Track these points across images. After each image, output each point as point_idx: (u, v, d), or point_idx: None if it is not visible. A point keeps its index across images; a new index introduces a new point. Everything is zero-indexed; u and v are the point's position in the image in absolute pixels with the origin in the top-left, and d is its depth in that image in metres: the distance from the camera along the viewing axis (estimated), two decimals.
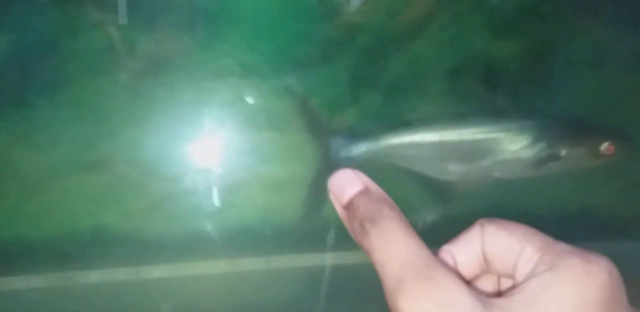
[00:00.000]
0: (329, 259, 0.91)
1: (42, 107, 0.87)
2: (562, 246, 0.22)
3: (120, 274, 0.87)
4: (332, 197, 0.25)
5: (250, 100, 0.90)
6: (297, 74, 0.91)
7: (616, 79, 0.96)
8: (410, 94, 0.95)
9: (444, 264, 0.23)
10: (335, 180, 0.25)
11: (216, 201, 0.91)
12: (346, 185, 0.25)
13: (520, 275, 0.22)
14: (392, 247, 0.23)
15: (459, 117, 0.87)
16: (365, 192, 0.24)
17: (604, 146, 0.82)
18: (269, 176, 0.92)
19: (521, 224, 0.23)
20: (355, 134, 0.85)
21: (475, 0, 0.96)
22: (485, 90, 0.96)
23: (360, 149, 0.84)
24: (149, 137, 0.88)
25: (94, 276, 0.85)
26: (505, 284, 0.25)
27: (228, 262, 0.90)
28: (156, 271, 0.87)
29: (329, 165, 0.85)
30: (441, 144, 0.84)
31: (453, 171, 0.85)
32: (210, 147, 0.91)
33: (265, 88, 0.91)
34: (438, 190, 0.87)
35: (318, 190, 0.83)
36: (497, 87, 0.97)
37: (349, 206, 0.24)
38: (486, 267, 0.24)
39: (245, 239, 0.89)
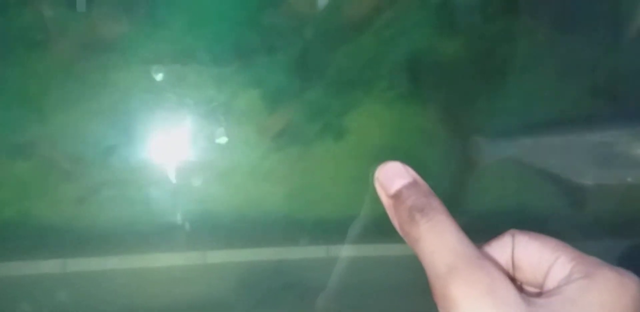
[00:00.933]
0: (265, 254, 0.90)
1: None
2: (593, 258, 0.24)
3: (46, 267, 0.83)
4: (378, 186, 0.27)
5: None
6: (239, 62, 0.90)
7: (554, 80, 0.99)
8: (356, 89, 0.95)
9: (491, 258, 0.25)
10: (384, 170, 0.27)
11: (151, 191, 0.88)
12: (395, 176, 0.26)
13: (552, 281, 0.24)
14: (443, 237, 0.24)
15: (593, 119, 0.87)
16: (414, 184, 0.26)
17: None
18: (210, 165, 0.90)
19: (551, 237, 0.25)
20: (498, 135, 0.84)
21: None
22: (431, 87, 0.97)
23: (504, 149, 0.83)
24: (81, 122, 0.84)
25: (17, 268, 0.81)
26: (528, 292, 0.26)
27: (161, 256, 0.88)
28: (85, 264, 0.84)
29: (472, 165, 0.83)
30: (580, 146, 0.83)
31: (590, 174, 0.85)
32: (145, 135, 0.88)
33: (206, 75, 0.89)
34: (573, 194, 0.87)
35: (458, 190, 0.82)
36: (440, 83, 0.98)
37: (397, 196, 0.26)
38: (512, 274, 0.26)
39: (180, 232, 0.87)
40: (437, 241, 0.24)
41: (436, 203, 0.25)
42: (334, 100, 0.94)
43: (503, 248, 0.26)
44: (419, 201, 0.25)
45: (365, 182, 0.92)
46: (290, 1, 0.91)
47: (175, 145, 0.90)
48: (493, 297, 0.22)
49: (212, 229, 0.88)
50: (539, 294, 0.24)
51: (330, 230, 0.93)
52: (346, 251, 0.88)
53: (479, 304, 0.22)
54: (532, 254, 0.25)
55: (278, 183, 0.92)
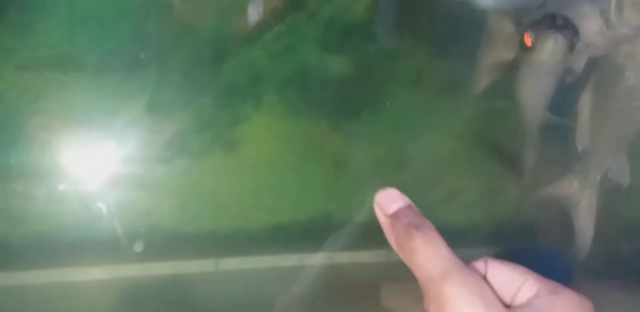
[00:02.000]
0: (152, 269, 0.87)
1: None
2: (556, 282, 0.28)
3: None
4: (377, 207, 0.31)
5: None
6: (123, 72, 0.87)
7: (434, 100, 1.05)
8: (247, 101, 0.95)
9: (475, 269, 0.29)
10: (383, 195, 0.31)
11: (29, 202, 0.82)
12: (393, 199, 0.30)
13: (521, 299, 0.28)
14: (437, 247, 0.28)
15: None
16: (409, 206, 0.30)
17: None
18: (92, 177, 0.85)
19: (520, 265, 0.30)
20: None
21: (309, 13, 0.99)
22: (320, 100, 1.00)
23: None
24: None
25: None
26: None
27: (40, 272, 0.82)
28: None
29: None
30: None
31: None
32: (20, 144, 0.82)
33: (87, 84, 0.85)
34: None
35: None
36: (329, 97, 1.01)
37: (395, 215, 0.30)
38: None
39: (60, 247, 0.81)
40: (432, 251, 0.28)
41: (429, 223, 0.29)
42: (223, 112, 0.93)
43: (477, 269, 0.30)
44: (415, 220, 0.29)
45: (257, 193, 0.92)
46: (178, 11, 0.90)
47: (55, 155, 0.84)
48: (482, 297, 0.26)
49: (93, 244, 0.83)
50: (509, 307, 0.28)
51: (219, 243, 0.92)
52: (234, 264, 0.87)
53: (469, 302, 0.26)
54: (503, 276, 0.29)
55: (165, 195, 0.89)
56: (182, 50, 0.89)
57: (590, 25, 0.78)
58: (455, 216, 1.03)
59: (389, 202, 0.30)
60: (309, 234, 0.97)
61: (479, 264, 0.30)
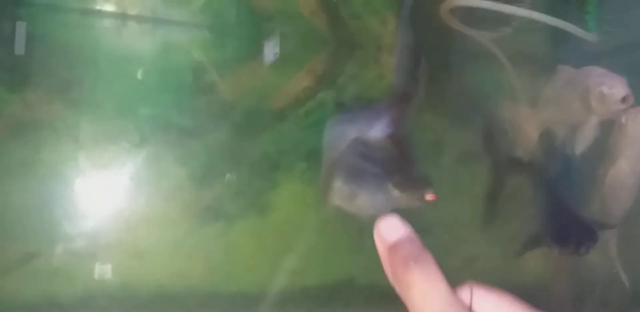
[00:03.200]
0: None
1: None
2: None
3: None
4: (377, 237, 0.30)
5: None
6: (168, 143, 0.96)
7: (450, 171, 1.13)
8: (278, 170, 1.03)
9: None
10: (384, 223, 0.30)
11: (74, 264, 0.89)
12: (393, 229, 0.29)
13: None
14: (435, 284, 0.27)
15: None
16: (409, 236, 0.29)
17: None
18: (134, 241, 0.93)
19: (506, 292, 0.29)
20: None
21: (338, 90, 1.09)
22: None
23: None
24: (10, 197, 0.86)
25: None
26: None
27: None
28: None
29: None
30: None
31: None
32: (71, 210, 0.90)
33: (135, 155, 0.95)
34: None
35: None
36: None
37: (394, 246, 0.29)
38: None
39: (101, 307, 0.88)
40: (429, 287, 0.27)
41: (428, 254, 0.28)
42: (257, 179, 1.01)
43: (463, 297, 0.29)
44: (413, 251, 0.28)
45: (286, 256, 0.98)
46: (220, 89, 1.00)
47: (101, 221, 0.93)
48: None
49: (133, 305, 0.90)
50: None
51: (250, 303, 0.97)
52: None
53: None
54: (490, 304, 0.28)
55: (201, 258, 0.96)
56: (223, 124, 0.99)
57: None
58: (472, 281, 1.07)
59: (388, 231, 0.29)
60: (334, 296, 1.02)
61: (465, 291, 0.29)
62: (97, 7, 0.95)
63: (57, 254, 0.87)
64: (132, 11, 0.96)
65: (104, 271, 0.91)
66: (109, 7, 0.95)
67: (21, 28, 0.90)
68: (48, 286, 0.87)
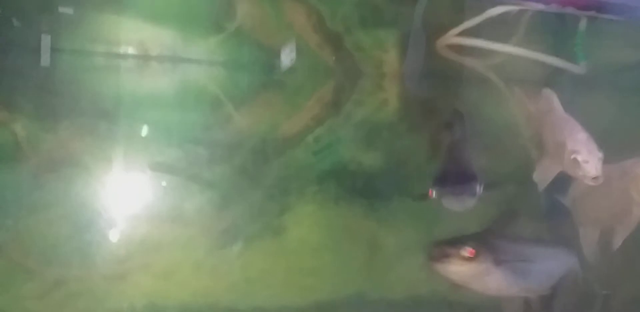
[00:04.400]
0: None
1: None
2: None
3: None
4: None
5: None
6: (188, 172, 1.05)
7: None
8: (291, 193, 1.11)
9: None
10: None
11: (104, 286, 0.98)
12: None
13: None
14: None
15: None
16: None
17: None
18: (158, 263, 1.01)
19: None
20: None
21: (345, 117, 1.16)
22: (355, 190, 1.15)
23: None
24: (47, 226, 0.95)
25: None
26: None
27: None
28: None
29: None
30: None
31: None
32: (102, 237, 0.99)
33: (157, 184, 1.03)
34: None
35: None
36: (363, 187, 1.15)
37: None
38: None
39: None
40: None
41: None
42: (271, 203, 1.09)
43: None
44: None
45: (300, 273, 1.05)
46: (236, 121, 1.08)
47: (128, 245, 1.01)
48: None
49: None
50: None
51: None
52: None
53: None
54: None
55: (221, 277, 1.04)
56: (239, 152, 1.07)
57: None
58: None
59: None
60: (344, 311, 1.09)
61: None
62: (122, 51, 1.04)
63: (89, 277, 0.96)
64: (153, 52, 1.05)
65: (132, 291, 1.00)
66: (132, 50, 1.05)
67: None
68: (81, 307, 0.95)
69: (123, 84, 1.04)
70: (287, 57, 1.11)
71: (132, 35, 1.04)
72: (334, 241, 1.12)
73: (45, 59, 0.98)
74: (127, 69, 1.05)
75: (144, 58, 1.04)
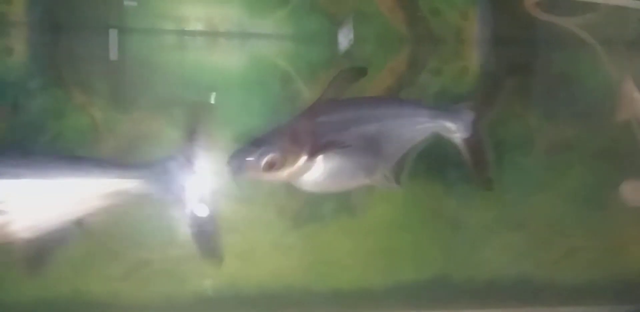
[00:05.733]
0: None
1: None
2: None
3: None
4: None
5: None
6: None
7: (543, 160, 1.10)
8: None
9: None
10: None
11: (185, 267, 0.99)
12: None
13: None
14: None
15: None
16: None
17: None
18: (235, 245, 1.01)
19: None
20: None
21: (420, 88, 1.09)
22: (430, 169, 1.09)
23: None
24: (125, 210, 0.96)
25: None
26: None
27: None
28: None
29: None
30: None
31: None
32: (182, 219, 0.99)
33: None
34: None
35: None
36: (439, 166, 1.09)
37: None
38: None
39: (210, 304, 0.97)
40: None
41: None
42: None
43: None
44: None
45: (378, 254, 1.02)
46: (305, 96, 1.04)
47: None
48: None
49: (236, 302, 0.98)
50: None
51: (346, 301, 1.02)
52: None
53: None
54: None
55: (297, 258, 1.02)
56: None
57: None
58: (573, 274, 1.05)
59: None
60: (427, 293, 1.05)
61: None
62: (190, 28, 1.03)
63: (171, 258, 0.97)
64: (221, 28, 1.02)
65: (212, 271, 1.00)
66: (201, 27, 1.03)
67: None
68: (163, 287, 0.97)
69: (193, 62, 1.02)
70: (349, 29, 1.05)
71: (199, 12, 1.02)
72: (413, 220, 1.07)
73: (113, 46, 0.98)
74: (196, 47, 1.03)
75: (212, 34, 1.02)
